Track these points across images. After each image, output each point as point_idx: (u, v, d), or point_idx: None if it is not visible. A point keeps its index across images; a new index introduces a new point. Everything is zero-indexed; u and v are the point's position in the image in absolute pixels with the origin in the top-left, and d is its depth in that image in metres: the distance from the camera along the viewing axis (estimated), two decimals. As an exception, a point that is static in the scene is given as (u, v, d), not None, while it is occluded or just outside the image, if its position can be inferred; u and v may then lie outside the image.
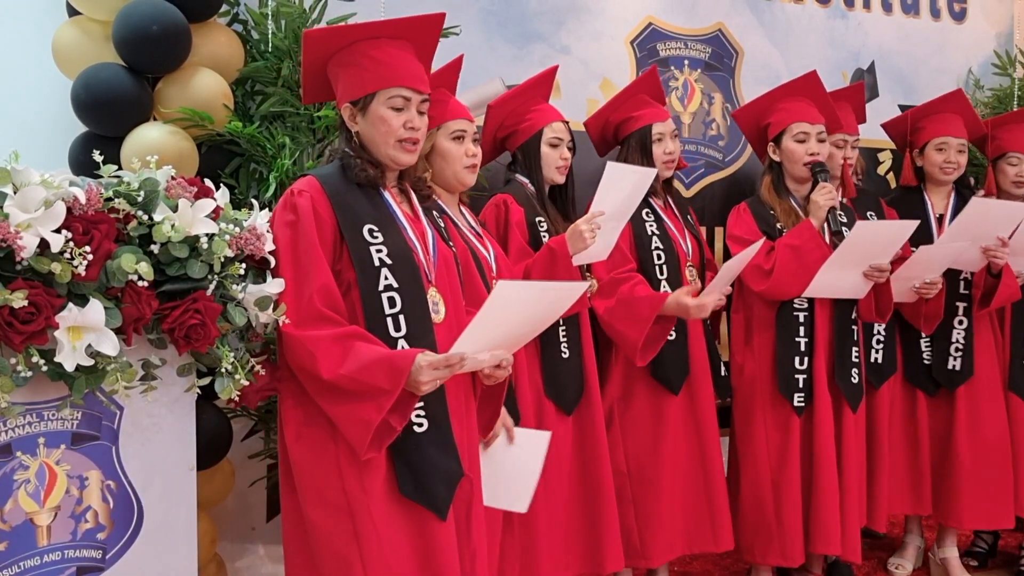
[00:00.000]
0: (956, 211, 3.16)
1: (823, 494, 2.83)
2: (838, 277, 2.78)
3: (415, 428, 1.83)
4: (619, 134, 2.93)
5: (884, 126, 3.41)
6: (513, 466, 2.16)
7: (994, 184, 3.32)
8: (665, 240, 2.79)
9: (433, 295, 1.92)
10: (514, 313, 1.74)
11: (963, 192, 3.25)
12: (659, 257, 2.76)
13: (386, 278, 1.84)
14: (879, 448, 3.05)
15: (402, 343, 1.82)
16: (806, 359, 2.86)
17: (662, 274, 2.74)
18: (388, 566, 1.78)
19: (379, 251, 1.85)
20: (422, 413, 1.84)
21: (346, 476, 1.79)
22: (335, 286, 1.81)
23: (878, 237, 2.75)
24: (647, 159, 2.83)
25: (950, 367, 3.10)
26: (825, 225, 2.82)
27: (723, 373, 2.90)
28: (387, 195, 1.97)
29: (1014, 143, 3.27)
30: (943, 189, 3.23)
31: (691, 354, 2.77)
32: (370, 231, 1.86)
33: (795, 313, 2.86)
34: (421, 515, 1.83)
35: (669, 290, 2.70)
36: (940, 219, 3.18)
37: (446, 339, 1.89)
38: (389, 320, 1.83)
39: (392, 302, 1.84)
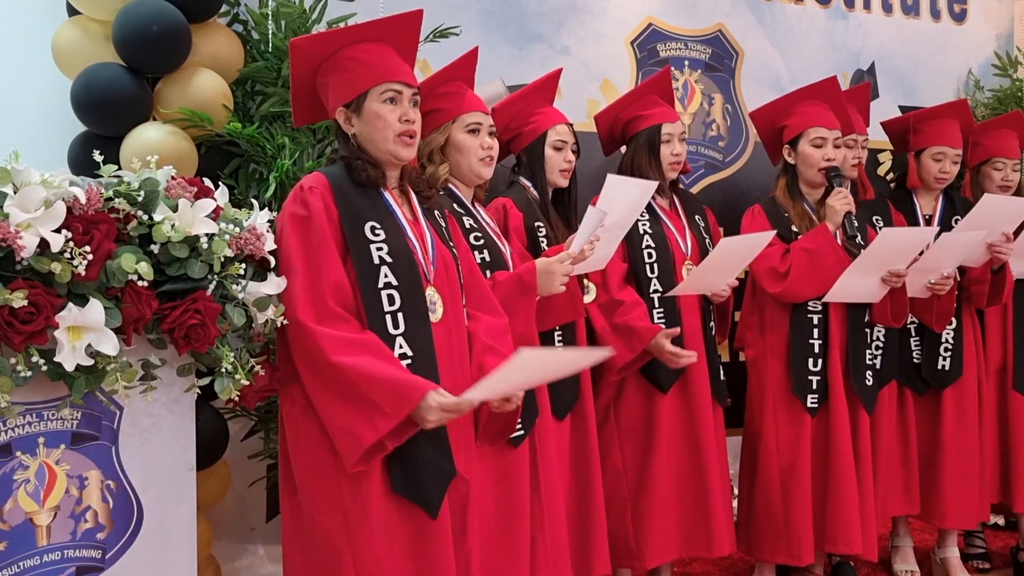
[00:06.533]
0: (944, 213, 3.19)
1: (843, 494, 2.83)
2: (857, 283, 2.79)
3: None
4: (627, 132, 2.91)
5: (884, 124, 3.41)
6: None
7: (969, 190, 3.31)
8: (659, 239, 2.77)
9: (431, 295, 1.93)
10: (531, 372, 1.82)
11: (951, 195, 3.25)
12: (649, 256, 2.76)
13: (385, 276, 1.85)
14: (880, 450, 3.05)
15: (400, 340, 1.83)
16: (820, 361, 2.86)
17: (652, 272, 2.74)
18: (379, 563, 1.78)
19: (379, 249, 1.87)
20: None
21: (341, 473, 1.80)
22: (347, 283, 1.83)
23: (899, 244, 2.75)
24: (654, 158, 2.81)
25: (940, 367, 3.11)
26: (840, 230, 2.83)
27: (721, 377, 2.86)
28: (387, 196, 1.97)
29: (1000, 148, 3.26)
30: (933, 191, 3.24)
31: None
32: (372, 229, 1.88)
33: (809, 315, 2.87)
34: (416, 514, 1.83)
35: (659, 288, 2.71)
36: (928, 220, 3.18)
37: (443, 338, 1.90)
38: (388, 317, 1.84)
39: (391, 299, 1.85)
